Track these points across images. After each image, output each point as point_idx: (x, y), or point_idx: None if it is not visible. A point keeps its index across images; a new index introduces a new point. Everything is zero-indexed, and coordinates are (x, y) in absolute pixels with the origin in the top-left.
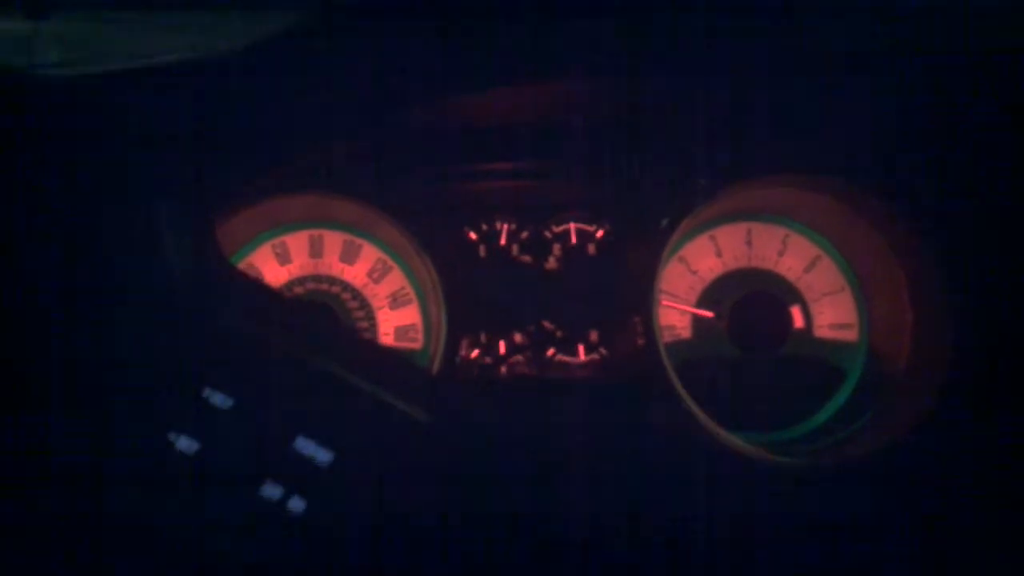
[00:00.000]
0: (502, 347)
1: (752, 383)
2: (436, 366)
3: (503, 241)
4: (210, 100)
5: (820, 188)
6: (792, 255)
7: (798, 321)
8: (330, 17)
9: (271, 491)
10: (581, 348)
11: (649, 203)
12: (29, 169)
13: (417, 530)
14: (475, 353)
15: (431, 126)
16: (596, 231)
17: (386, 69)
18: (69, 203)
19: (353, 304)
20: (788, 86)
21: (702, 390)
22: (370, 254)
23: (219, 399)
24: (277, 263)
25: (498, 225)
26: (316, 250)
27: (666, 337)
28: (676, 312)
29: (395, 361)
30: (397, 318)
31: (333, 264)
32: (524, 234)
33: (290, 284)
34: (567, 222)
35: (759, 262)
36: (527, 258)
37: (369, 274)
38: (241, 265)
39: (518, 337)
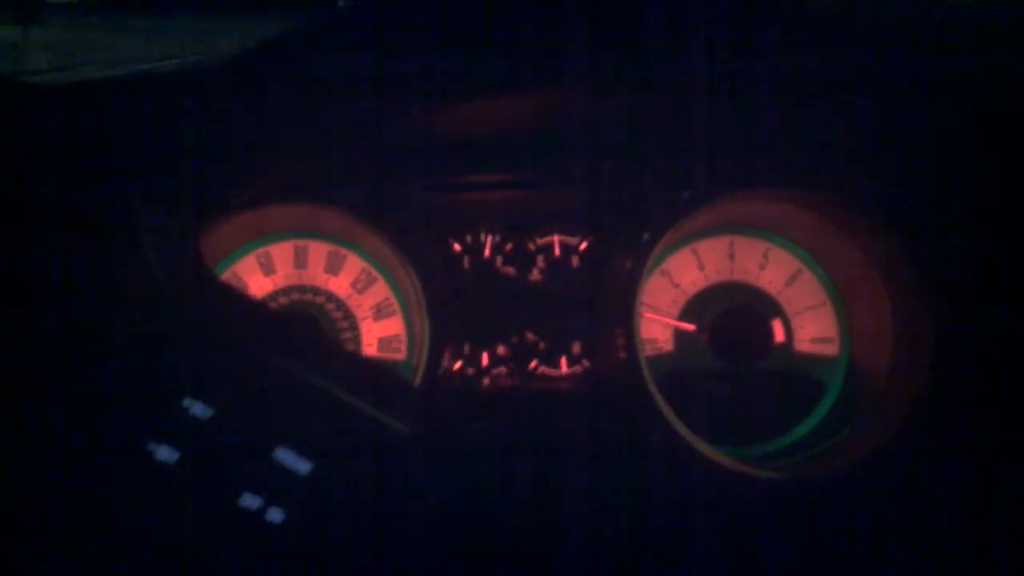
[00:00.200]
0: (485, 359)
1: (733, 396)
2: (419, 377)
3: (487, 253)
4: (197, 109)
5: (801, 203)
6: (774, 269)
7: (779, 335)
8: (321, 28)
9: (250, 501)
10: (564, 360)
11: (632, 216)
12: (13, 174)
13: (397, 542)
14: (458, 364)
15: (417, 138)
16: (579, 243)
17: (377, 80)
18: (53, 210)
19: (337, 315)
20: (769, 102)
21: (683, 403)
22: (354, 265)
23: (199, 409)
24: (261, 273)
25: (482, 237)
26: (300, 260)
27: (648, 350)
28: (658, 325)
29: (378, 372)
30: (381, 329)
31: (317, 275)
32: (508, 246)
33: (274, 294)
34: (551, 234)
35: (741, 275)
36: (511, 270)
37: (353, 285)
38: (225, 275)
39: (501, 349)
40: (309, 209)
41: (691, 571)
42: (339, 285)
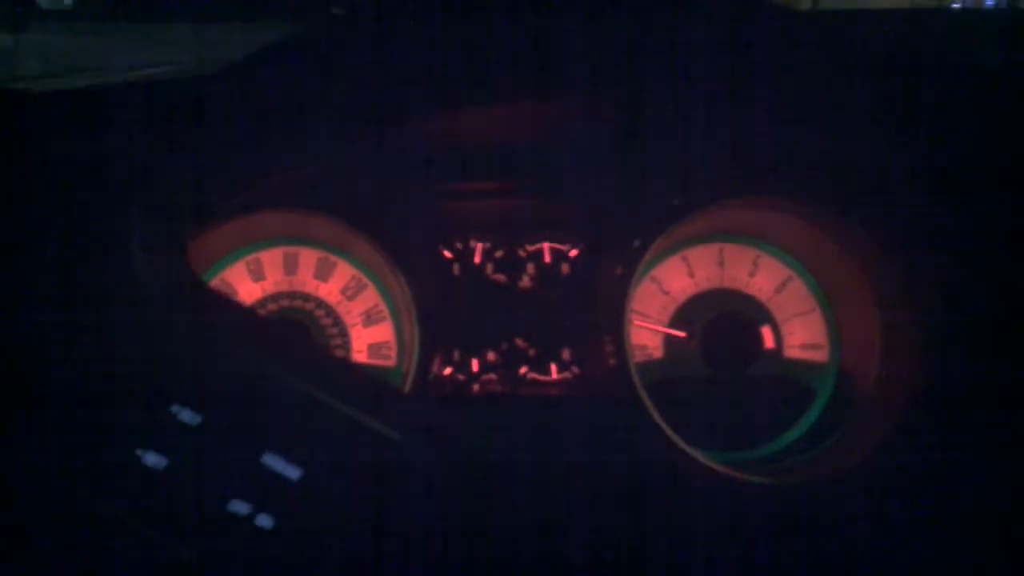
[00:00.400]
0: (475, 365)
1: (723, 402)
2: (409, 384)
3: (477, 260)
4: (187, 115)
5: (791, 211)
6: (763, 276)
7: (769, 341)
8: (315, 36)
9: (239, 507)
10: (554, 367)
11: (622, 223)
12: (3, 181)
13: (386, 547)
14: (448, 371)
15: (407, 145)
16: (569, 250)
17: (369, 89)
18: (41, 215)
19: (327, 321)
20: (760, 111)
21: (674, 409)
22: (344, 271)
23: (187, 415)
24: (251, 280)
25: (472, 244)
26: (290, 267)
27: (638, 357)
28: (648, 332)
29: (368, 378)
30: (371, 335)
31: (307, 281)
32: (498, 253)
33: (264, 301)
34: (541, 241)
35: (731, 282)
36: (501, 277)
37: (343, 291)
38: (215, 281)
39: (491, 355)
40: (299, 216)
41: (683, 575)
42: (329, 292)
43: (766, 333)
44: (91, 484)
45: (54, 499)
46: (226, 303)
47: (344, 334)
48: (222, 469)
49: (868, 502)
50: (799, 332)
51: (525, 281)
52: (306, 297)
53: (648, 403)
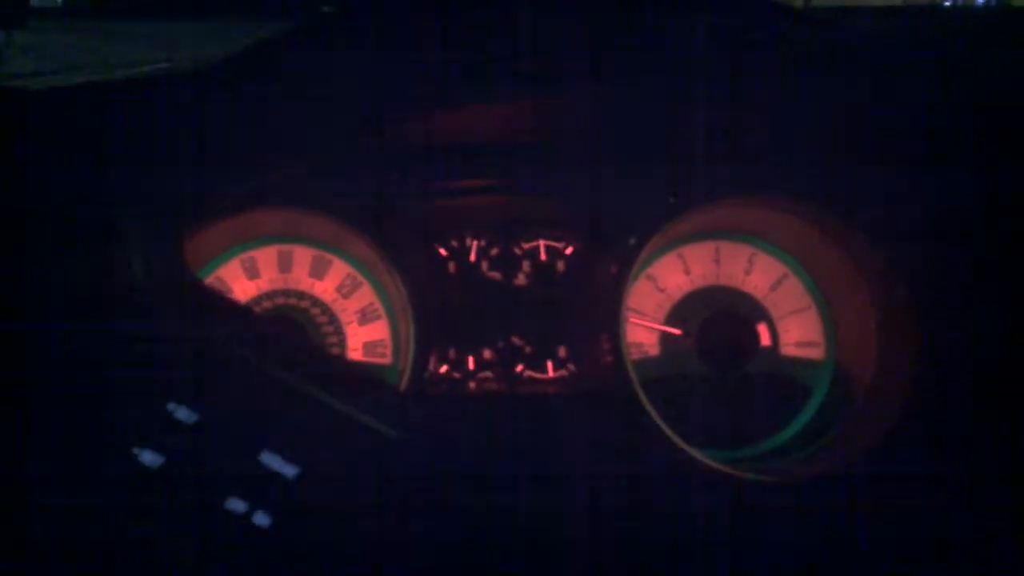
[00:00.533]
0: (471, 363)
1: (719, 400)
2: (405, 382)
3: (473, 257)
4: (182, 113)
5: (787, 209)
6: (759, 273)
7: (765, 339)
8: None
9: (236, 506)
10: (550, 364)
11: (618, 221)
12: None
13: (383, 546)
14: (444, 369)
15: (403, 143)
16: (565, 248)
17: (365, 86)
18: (36, 213)
19: (322, 319)
20: (756, 110)
21: (670, 407)
22: (340, 269)
23: (184, 413)
24: (246, 277)
25: (468, 241)
26: (285, 265)
27: (634, 354)
28: (644, 329)
29: (363, 376)
30: (366, 333)
31: (302, 279)
32: (494, 251)
33: (259, 299)
34: (536, 239)
35: (727, 280)
36: (497, 274)
37: (338, 289)
38: (210, 279)
39: (487, 353)
40: (294, 214)
41: (679, 572)
42: (324, 289)
43: (762, 330)
44: (86, 483)
45: (52, 497)
46: (221, 301)
47: (339, 332)
48: (218, 467)
49: (864, 499)
50: (795, 329)
51: (521, 279)
52: (301, 295)
53: (644, 400)
